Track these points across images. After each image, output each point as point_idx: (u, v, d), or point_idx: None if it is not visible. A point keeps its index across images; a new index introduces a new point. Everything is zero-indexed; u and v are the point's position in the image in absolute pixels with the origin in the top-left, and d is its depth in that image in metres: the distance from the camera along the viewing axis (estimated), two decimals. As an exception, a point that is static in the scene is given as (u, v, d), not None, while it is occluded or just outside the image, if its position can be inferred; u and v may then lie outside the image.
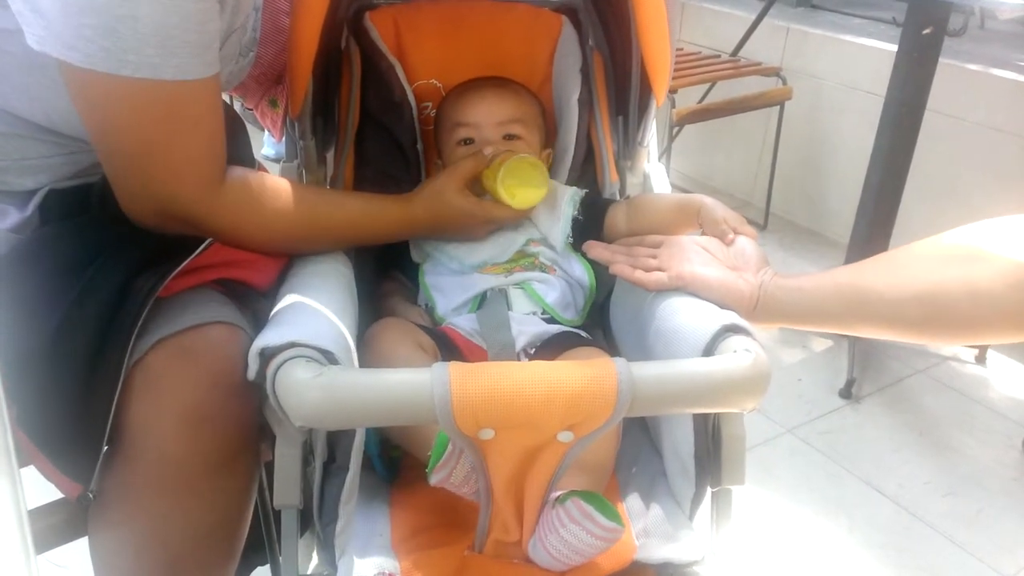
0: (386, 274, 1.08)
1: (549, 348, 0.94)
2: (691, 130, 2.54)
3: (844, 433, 1.77)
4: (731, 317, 0.78)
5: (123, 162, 0.76)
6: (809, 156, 2.64)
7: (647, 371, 0.67)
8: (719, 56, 2.59)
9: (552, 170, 1.15)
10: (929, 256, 0.70)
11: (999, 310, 0.63)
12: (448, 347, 0.92)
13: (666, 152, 2.53)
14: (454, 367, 0.66)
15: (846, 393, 1.87)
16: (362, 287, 0.96)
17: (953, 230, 0.71)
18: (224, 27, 0.80)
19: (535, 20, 1.20)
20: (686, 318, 0.81)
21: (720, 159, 2.94)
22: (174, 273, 0.73)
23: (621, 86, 1.17)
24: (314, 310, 0.79)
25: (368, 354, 0.87)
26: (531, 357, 0.94)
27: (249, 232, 0.82)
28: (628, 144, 1.18)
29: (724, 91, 2.52)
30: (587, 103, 1.15)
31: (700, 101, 2.60)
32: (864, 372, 1.93)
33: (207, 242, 0.77)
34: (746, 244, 0.90)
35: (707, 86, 2.59)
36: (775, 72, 2.47)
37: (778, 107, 2.51)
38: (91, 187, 0.81)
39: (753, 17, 2.60)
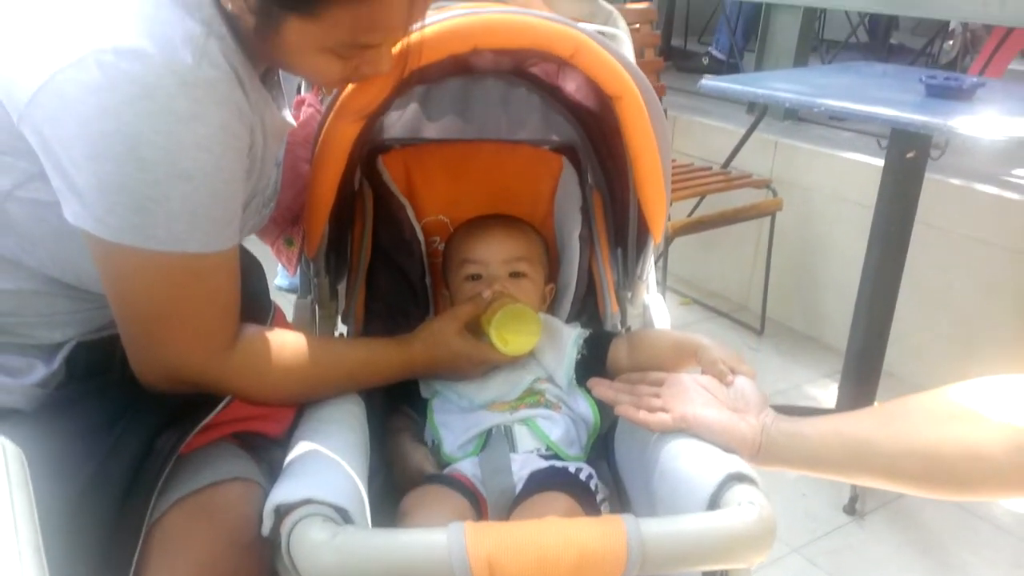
0: (396, 408, 1.10)
1: (535, 483, 0.94)
2: (686, 235, 2.61)
3: (851, 552, 1.75)
4: (735, 464, 0.80)
5: (138, 328, 0.79)
6: (802, 263, 2.70)
7: (656, 529, 0.69)
8: (710, 168, 2.68)
9: (555, 303, 1.19)
10: (929, 412, 0.73)
11: (997, 473, 0.65)
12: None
13: (662, 256, 2.59)
14: (469, 527, 0.68)
15: (850, 509, 1.87)
16: (372, 421, 0.98)
17: (953, 386, 0.74)
18: (248, 192, 0.85)
19: (537, 160, 1.26)
20: (690, 463, 0.84)
21: (715, 264, 3.00)
22: (193, 432, 0.75)
23: (620, 221, 1.22)
24: (328, 460, 0.81)
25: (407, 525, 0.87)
26: (518, 495, 0.94)
27: (258, 392, 0.85)
28: (628, 276, 1.22)
29: (716, 200, 2.60)
30: (588, 239, 1.20)
31: (692, 211, 2.68)
32: (867, 488, 1.92)
33: (226, 400, 0.80)
34: (745, 385, 0.92)
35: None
36: (765, 184, 2.55)
37: (770, 216, 2.58)
38: (115, 339, 0.84)
39: (742, 131, 2.70)
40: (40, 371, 0.82)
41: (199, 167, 0.73)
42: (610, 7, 1.25)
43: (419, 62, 0.88)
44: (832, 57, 4.00)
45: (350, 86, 0.93)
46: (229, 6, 0.75)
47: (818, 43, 4.18)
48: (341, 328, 1.20)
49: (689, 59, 4.22)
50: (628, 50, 1.23)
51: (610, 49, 0.95)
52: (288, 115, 0.94)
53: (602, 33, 1.20)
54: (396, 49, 0.85)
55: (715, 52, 4.03)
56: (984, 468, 0.66)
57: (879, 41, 4.35)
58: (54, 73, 0.69)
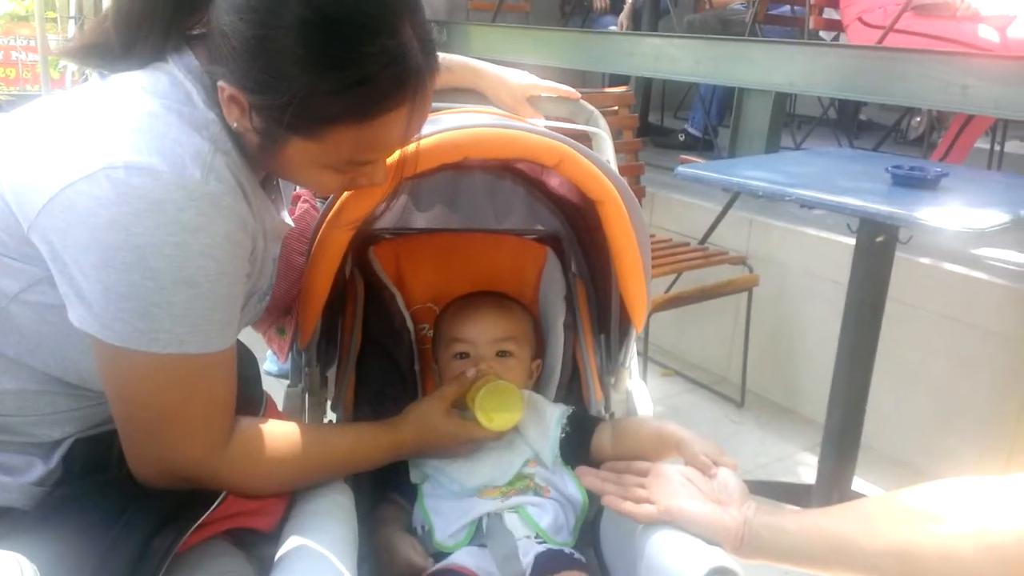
0: (384, 495, 1.11)
1: (546, 569, 0.97)
2: (665, 310, 2.66)
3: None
4: (719, 557, 0.83)
5: (137, 427, 0.82)
6: (779, 337, 2.76)
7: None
8: (688, 243, 2.76)
9: (540, 387, 1.22)
10: (906, 511, 0.76)
11: (970, 572, 0.68)
12: None
13: (644, 329, 2.63)
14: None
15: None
16: (360, 508, 1.00)
17: (927, 484, 0.77)
18: (247, 291, 0.88)
19: (522, 250, 1.31)
20: (675, 555, 0.86)
21: (695, 336, 3.05)
22: (193, 528, 0.77)
23: (602, 309, 1.27)
24: (318, 557, 0.83)
25: None
26: None
27: (251, 484, 0.87)
28: (611, 362, 1.26)
29: (693, 275, 2.67)
30: (572, 326, 1.24)
31: (671, 286, 2.74)
32: None
33: (221, 497, 0.81)
34: (728, 477, 0.95)
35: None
36: (742, 260, 2.63)
37: (747, 291, 2.65)
38: (113, 434, 0.86)
39: (718, 207, 2.79)
40: (39, 469, 0.83)
41: (204, 274, 0.76)
42: (591, 107, 1.32)
43: (412, 172, 0.93)
44: (805, 136, 4.16)
45: (345, 193, 0.98)
46: (234, 125, 0.80)
47: (790, 119, 4.34)
48: (330, 415, 1.22)
49: (666, 135, 4.36)
50: (608, 148, 1.29)
51: (592, 157, 1.00)
52: (286, 216, 0.98)
53: (584, 133, 1.27)
54: (391, 159, 0.90)
55: (691, 129, 4.17)
56: (958, 568, 0.69)
57: (848, 118, 4.53)
58: (65, 186, 0.73)
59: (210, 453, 0.83)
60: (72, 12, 8.49)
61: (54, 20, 8.05)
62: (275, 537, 0.87)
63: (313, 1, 0.73)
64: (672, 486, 0.94)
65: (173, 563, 0.76)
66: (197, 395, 0.81)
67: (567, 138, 1.00)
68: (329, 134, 0.78)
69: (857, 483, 2.00)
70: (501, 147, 0.98)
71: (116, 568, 0.72)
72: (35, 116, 0.81)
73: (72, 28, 8.45)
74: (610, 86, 3.71)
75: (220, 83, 0.78)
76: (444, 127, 0.96)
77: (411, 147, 0.89)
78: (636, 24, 4.42)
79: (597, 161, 1.00)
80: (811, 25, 3.20)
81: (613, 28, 4.53)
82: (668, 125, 4.73)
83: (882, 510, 0.79)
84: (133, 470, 0.82)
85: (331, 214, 0.98)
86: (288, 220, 0.98)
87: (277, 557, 0.83)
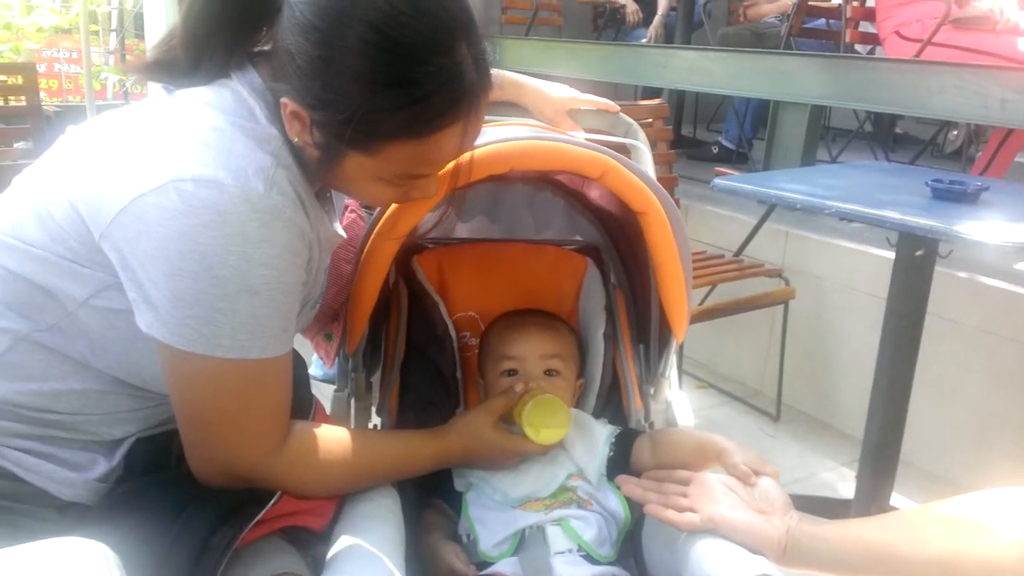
0: (428, 502, 1.14)
1: None
2: (699, 322, 2.66)
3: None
4: (763, 566, 0.84)
5: (199, 428, 0.85)
6: (816, 351, 2.74)
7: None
8: (723, 256, 2.76)
9: (580, 399, 1.23)
10: (948, 522, 0.76)
11: None
12: None
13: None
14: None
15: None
16: (404, 514, 1.02)
17: (971, 495, 0.77)
18: (302, 299, 0.92)
19: (562, 260, 1.33)
20: (719, 564, 0.87)
21: (730, 348, 3.04)
22: (251, 524, 0.80)
23: (642, 319, 1.28)
24: (370, 556, 0.85)
25: None
26: None
27: (306, 486, 0.90)
28: (650, 373, 1.27)
29: (728, 287, 2.66)
30: (611, 337, 1.26)
31: (705, 298, 2.74)
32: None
33: (277, 496, 0.84)
34: (770, 486, 0.96)
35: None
36: (778, 273, 2.62)
37: (783, 304, 2.64)
38: (171, 435, 0.89)
39: (753, 219, 2.79)
40: (102, 466, 0.87)
41: (265, 283, 0.80)
42: (630, 120, 1.34)
43: (465, 183, 0.95)
44: (841, 150, 4.13)
45: (394, 205, 1.01)
46: (295, 139, 0.83)
47: (824, 132, 4.32)
48: (375, 419, 1.25)
49: (699, 148, 4.36)
50: (648, 160, 1.31)
51: (635, 169, 1.02)
52: (339, 226, 1.02)
53: (623, 145, 1.29)
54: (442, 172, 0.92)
55: (724, 141, 4.17)
56: None
57: (884, 131, 4.49)
58: (135, 197, 0.77)
59: (267, 455, 0.86)
60: (113, 25, 8.74)
61: (96, 32, 8.28)
62: (326, 537, 0.90)
63: (376, 22, 0.76)
64: (714, 495, 0.95)
65: (232, 558, 0.78)
66: (256, 399, 0.84)
67: (610, 150, 1.02)
68: (385, 149, 0.81)
69: (895, 498, 1.99)
70: (546, 159, 1.00)
71: (180, 561, 0.75)
72: (105, 129, 0.85)
73: (113, 40, 8.69)
74: (643, 99, 3.73)
75: (283, 100, 0.81)
76: (490, 139, 0.99)
77: (462, 160, 0.92)
78: (668, 36, 4.44)
79: (640, 173, 1.02)
80: (847, 39, 3.19)
81: (644, 41, 4.55)
82: (700, 137, 4.73)
83: (925, 520, 0.80)
84: (194, 469, 0.86)
85: (381, 225, 1.01)
86: (340, 231, 1.01)
87: (329, 556, 0.85)
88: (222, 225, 0.76)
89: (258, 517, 0.81)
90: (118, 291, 0.81)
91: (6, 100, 4.12)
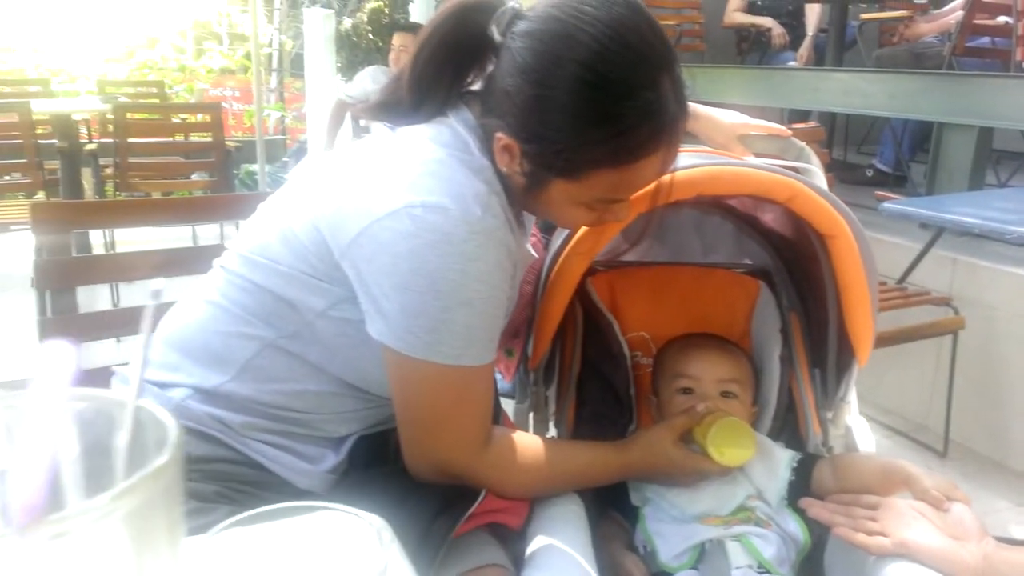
0: (605, 513, 1.18)
1: None
2: (860, 353, 2.57)
3: None
4: (960, 591, 0.83)
5: (417, 427, 0.94)
6: (986, 384, 2.59)
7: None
8: (885, 283, 2.66)
9: (755, 423, 1.25)
10: None
11: None
12: None
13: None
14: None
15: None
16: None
17: None
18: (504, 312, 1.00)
19: (734, 284, 1.36)
20: (914, 589, 0.87)
21: (892, 379, 2.92)
22: (464, 518, 0.88)
23: (817, 342, 1.28)
24: (568, 557, 0.91)
25: None
26: None
27: (505, 486, 0.97)
28: (828, 397, 1.27)
29: (890, 316, 2.56)
30: (787, 360, 1.26)
31: (866, 326, 2.65)
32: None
33: (484, 493, 0.92)
34: (963, 512, 0.94)
35: (873, 311, 2.64)
36: (946, 302, 2.50)
37: (951, 334, 2.51)
38: (388, 433, 0.99)
39: (914, 245, 2.68)
40: (331, 459, 0.98)
41: (479, 296, 0.88)
42: (801, 143, 1.35)
43: (665, 201, 1.01)
44: (1012, 174, 3.88)
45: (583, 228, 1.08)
46: (504, 169, 0.92)
47: (989, 154, 4.08)
48: (551, 432, 1.32)
49: (852, 171, 4.21)
50: (823, 182, 1.31)
51: (822, 193, 1.04)
52: (531, 247, 1.10)
53: (795, 169, 1.30)
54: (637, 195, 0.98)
55: (879, 164, 4.01)
56: None
57: (1058, 153, 4.18)
58: (373, 221, 0.87)
59: (474, 454, 0.94)
60: (274, 65, 9.48)
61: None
62: (521, 535, 0.97)
63: (587, 61, 0.83)
64: (905, 519, 0.95)
65: (448, 547, 0.87)
66: (466, 402, 0.92)
67: (796, 174, 1.04)
68: (589, 176, 0.88)
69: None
70: (734, 184, 1.04)
71: (406, 545, 0.84)
72: (341, 162, 0.97)
73: (274, 79, 9.42)
74: (790, 122, 3.66)
75: (498, 134, 0.90)
76: (678, 166, 1.04)
77: (662, 182, 0.97)
78: (818, 58, 4.34)
79: (827, 196, 1.04)
80: (1017, 57, 3.03)
81: (792, 64, 4.47)
82: (852, 160, 4.57)
83: None
84: (408, 465, 0.95)
85: (576, 244, 1.08)
86: (532, 251, 1.09)
87: (528, 553, 0.92)
88: (445, 244, 0.85)
89: (472, 509, 0.89)
90: (351, 304, 0.92)
91: (186, 136, 4.57)
